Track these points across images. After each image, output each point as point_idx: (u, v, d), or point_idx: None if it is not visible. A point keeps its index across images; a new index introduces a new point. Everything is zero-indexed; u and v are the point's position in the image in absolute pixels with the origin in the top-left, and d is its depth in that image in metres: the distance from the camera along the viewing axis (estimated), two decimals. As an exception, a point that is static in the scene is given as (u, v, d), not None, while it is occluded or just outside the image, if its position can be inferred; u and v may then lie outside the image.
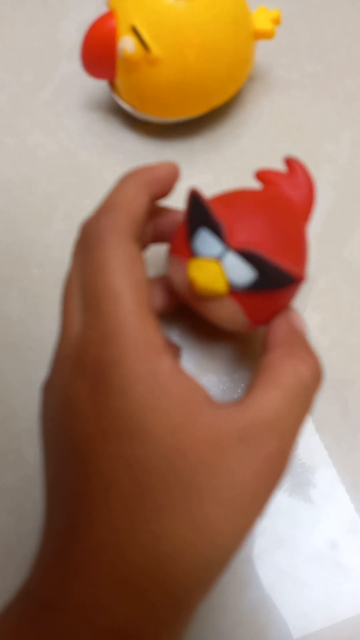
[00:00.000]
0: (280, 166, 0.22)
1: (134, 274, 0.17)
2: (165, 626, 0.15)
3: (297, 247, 0.19)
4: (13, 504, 0.24)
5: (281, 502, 0.23)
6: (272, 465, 0.16)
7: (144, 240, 0.22)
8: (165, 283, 0.23)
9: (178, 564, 0.15)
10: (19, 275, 0.28)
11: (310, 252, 0.27)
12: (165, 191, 0.20)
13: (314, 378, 0.17)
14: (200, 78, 0.28)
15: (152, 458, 0.15)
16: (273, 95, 0.32)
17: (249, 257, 0.17)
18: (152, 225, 0.22)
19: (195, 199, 0.19)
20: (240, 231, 0.18)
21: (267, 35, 0.30)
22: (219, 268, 0.18)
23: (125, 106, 0.31)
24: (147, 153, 0.32)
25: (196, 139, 0.32)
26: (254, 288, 0.18)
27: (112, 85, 0.32)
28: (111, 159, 0.32)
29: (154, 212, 0.22)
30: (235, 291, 0.18)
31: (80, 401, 0.16)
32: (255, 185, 0.22)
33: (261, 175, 0.21)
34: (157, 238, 0.23)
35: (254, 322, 0.19)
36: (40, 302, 0.27)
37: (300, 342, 0.19)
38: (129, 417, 0.15)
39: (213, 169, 0.31)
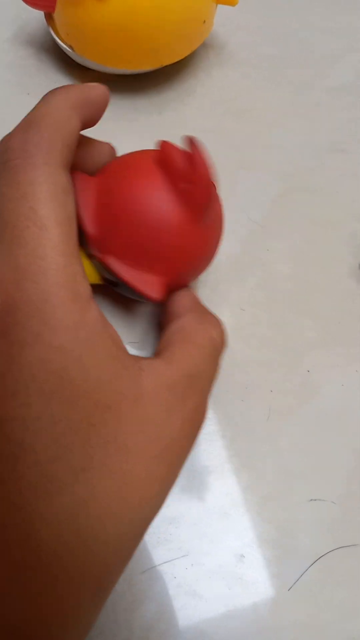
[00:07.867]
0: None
1: (63, 206, 0.14)
2: (81, 611, 0.13)
3: (173, 256, 0.18)
4: None
5: (191, 511, 0.21)
6: (194, 420, 0.16)
7: None
8: None
9: (100, 536, 0.13)
10: None
11: (245, 244, 0.25)
12: (95, 119, 0.17)
13: (222, 341, 0.19)
14: (149, 27, 0.25)
15: (73, 415, 0.13)
16: (226, 68, 0.30)
17: (107, 269, 0.18)
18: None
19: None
20: (107, 241, 0.18)
21: (229, 0, 0.27)
22: (91, 265, 0.19)
23: (63, 45, 0.27)
24: (81, 104, 0.28)
25: (139, 98, 0.28)
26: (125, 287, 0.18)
27: (50, 18, 0.28)
28: (37, 101, 0.28)
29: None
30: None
31: None
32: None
33: (160, 151, 0.18)
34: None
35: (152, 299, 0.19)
36: None
37: (206, 311, 0.19)
38: (48, 368, 0.13)
39: (154, 133, 0.28)
